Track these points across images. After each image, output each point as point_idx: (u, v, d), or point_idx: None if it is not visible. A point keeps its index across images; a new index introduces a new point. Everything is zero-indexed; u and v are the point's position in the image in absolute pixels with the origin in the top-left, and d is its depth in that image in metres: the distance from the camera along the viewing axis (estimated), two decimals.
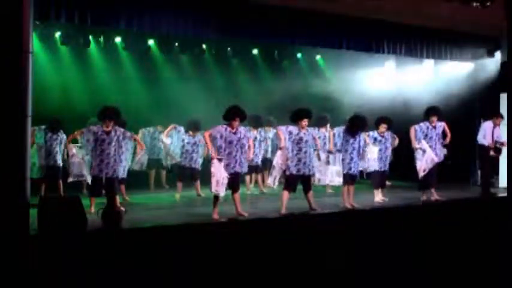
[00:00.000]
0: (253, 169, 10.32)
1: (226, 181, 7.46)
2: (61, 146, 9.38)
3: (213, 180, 7.43)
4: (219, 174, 7.43)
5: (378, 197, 9.38)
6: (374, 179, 9.40)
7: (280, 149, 8.08)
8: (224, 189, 7.48)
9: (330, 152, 8.65)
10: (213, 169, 7.47)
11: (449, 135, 9.43)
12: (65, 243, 5.71)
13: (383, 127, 9.33)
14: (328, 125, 10.53)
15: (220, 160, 7.49)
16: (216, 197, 7.56)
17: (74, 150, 8.24)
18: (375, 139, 9.25)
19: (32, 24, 6.07)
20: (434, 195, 9.37)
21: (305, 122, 8.09)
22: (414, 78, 12.88)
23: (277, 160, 8.15)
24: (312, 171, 8.33)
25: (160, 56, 12.49)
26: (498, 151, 10.14)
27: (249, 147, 7.88)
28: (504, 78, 11.22)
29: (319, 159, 8.55)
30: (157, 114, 11.42)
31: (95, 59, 11.82)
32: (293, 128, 8.11)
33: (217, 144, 7.61)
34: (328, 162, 8.57)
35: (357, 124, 8.66)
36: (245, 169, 8.11)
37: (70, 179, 8.34)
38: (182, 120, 10.02)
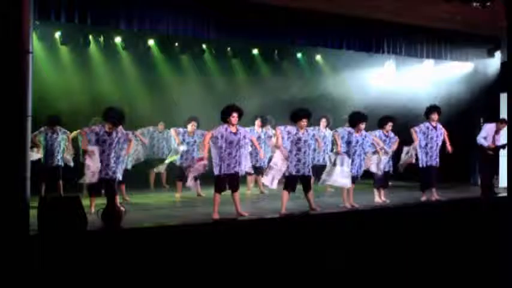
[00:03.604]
0: (258, 170, 10.27)
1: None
2: (61, 145, 9.42)
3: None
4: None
5: (378, 197, 9.37)
6: (376, 179, 9.37)
7: (277, 147, 8.06)
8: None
9: (337, 153, 8.52)
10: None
11: (448, 145, 9.35)
12: (65, 243, 5.71)
13: (389, 126, 9.28)
14: (326, 125, 10.53)
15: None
16: (217, 197, 7.58)
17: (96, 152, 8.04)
18: (379, 138, 9.21)
19: (32, 24, 6.07)
20: (435, 195, 9.37)
21: (304, 122, 8.06)
22: (414, 78, 12.88)
23: (276, 161, 8.05)
24: (310, 172, 8.29)
25: (160, 56, 12.50)
26: (496, 151, 10.17)
27: (254, 145, 8.10)
28: (504, 78, 11.22)
29: (329, 161, 8.50)
30: (157, 114, 11.44)
31: (95, 59, 11.83)
32: (292, 128, 8.08)
33: (218, 145, 7.61)
34: (334, 164, 8.40)
35: (355, 117, 8.64)
36: (246, 169, 8.12)
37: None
38: (181, 120, 10.03)
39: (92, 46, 11.65)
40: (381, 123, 9.32)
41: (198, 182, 9.96)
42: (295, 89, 13.05)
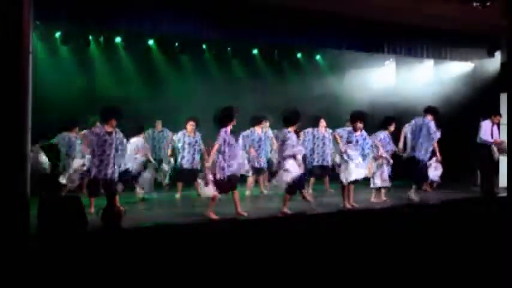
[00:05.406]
0: (258, 171, 10.26)
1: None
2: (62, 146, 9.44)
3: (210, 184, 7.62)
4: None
5: (378, 197, 9.37)
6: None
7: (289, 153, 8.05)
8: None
9: (341, 152, 8.54)
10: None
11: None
12: (65, 243, 5.71)
13: (393, 126, 9.29)
14: (324, 125, 10.51)
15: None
16: (213, 198, 7.57)
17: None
18: (384, 140, 9.20)
19: (32, 24, 6.07)
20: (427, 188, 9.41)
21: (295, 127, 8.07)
22: (414, 78, 12.89)
23: (290, 167, 7.86)
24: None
25: (160, 56, 12.50)
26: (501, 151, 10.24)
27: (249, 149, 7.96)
28: (504, 78, 11.24)
29: (340, 161, 8.52)
30: (157, 114, 11.43)
31: (95, 59, 11.83)
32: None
33: (222, 150, 7.62)
34: (346, 161, 8.42)
35: (353, 116, 8.64)
36: (243, 172, 8.11)
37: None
38: (181, 120, 10.04)
39: (92, 46, 11.66)
40: (384, 124, 9.32)
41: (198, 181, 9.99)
42: (295, 89, 13.05)
